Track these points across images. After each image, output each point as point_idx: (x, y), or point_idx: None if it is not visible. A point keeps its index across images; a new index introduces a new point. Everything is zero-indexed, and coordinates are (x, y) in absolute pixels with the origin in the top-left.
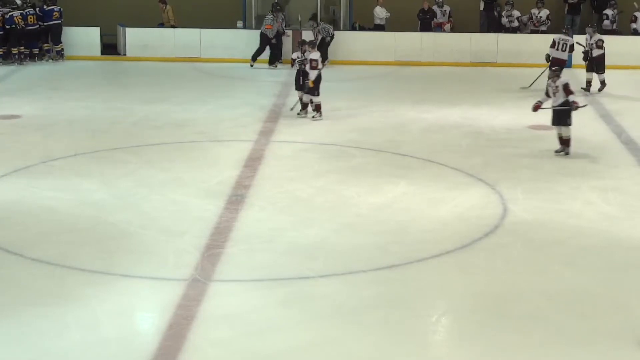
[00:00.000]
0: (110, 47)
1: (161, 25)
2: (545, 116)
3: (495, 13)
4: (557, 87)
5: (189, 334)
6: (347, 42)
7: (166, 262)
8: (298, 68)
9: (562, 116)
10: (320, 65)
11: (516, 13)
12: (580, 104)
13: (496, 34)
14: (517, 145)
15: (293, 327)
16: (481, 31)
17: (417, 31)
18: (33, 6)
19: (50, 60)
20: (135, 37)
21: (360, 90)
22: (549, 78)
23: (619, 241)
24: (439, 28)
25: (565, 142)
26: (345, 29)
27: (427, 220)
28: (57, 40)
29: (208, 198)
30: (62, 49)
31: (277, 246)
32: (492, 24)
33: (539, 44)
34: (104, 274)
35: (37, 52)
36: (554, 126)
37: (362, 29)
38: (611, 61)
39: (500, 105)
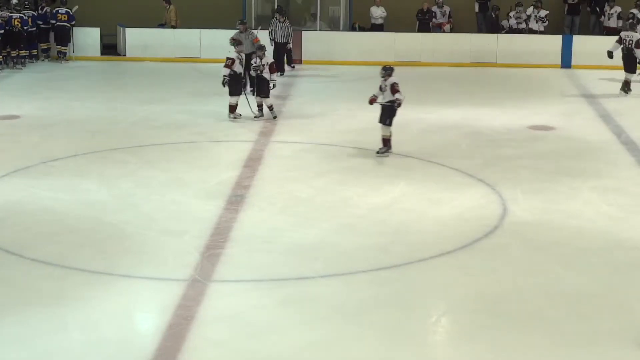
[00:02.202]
0: (110, 48)
1: (161, 25)
2: (545, 117)
3: (492, 14)
4: (386, 85)
5: (189, 334)
6: (346, 42)
7: (166, 263)
8: (254, 74)
9: (384, 115)
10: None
11: (524, 15)
12: (401, 101)
13: (496, 34)
14: (517, 145)
15: (293, 327)
16: (479, 32)
17: (415, 31)
18: (35, 8)
19: (47, 60)
20: (135, 38)
21: (360, 91)
22: (381, 76)
23: (619, 241)
24: (439, 28)
25: (384, 142)
26: (345, 29)
27: (427, 221)
28: (62, 41)
29: (208, 198)
30: (65, 52)
31: (277, 246)
32: (488, 24)
33: (538, 45)
34: (104, 275)
35: (35, 52)
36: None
37: (361, 29)
38: (614, 61)
39: (500, 106)
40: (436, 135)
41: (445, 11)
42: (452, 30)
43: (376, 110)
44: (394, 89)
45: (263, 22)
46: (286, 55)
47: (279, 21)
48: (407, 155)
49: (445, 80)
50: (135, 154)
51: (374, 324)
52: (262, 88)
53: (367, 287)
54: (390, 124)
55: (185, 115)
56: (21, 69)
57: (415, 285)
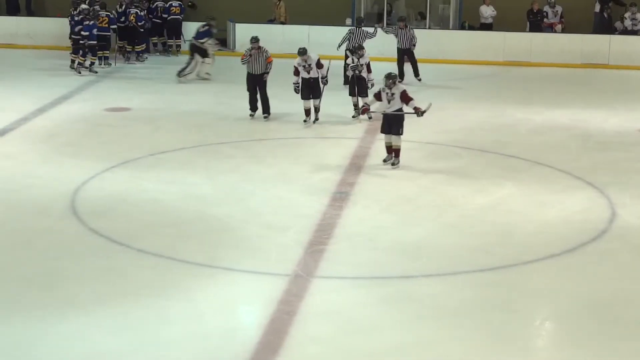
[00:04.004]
0: (220, 42)
1: (271, 21)
2: None
3: (605, 15)
4: (392, 94)
5: (290, 329)
6: (455, 41)
7: (268, 257)
8: (352, 73)
9: (393, 124)
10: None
11: (639, 16)
12: (424, 108)
13: (608, 35)
14: (627, 148)
15: (393, 326)
16: (593, 32)
17: (525, 31)
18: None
19: (158, 54)
20: (244, 33)
21: (467, 90)
22: (385, 84)
23: None
24: (550, 28)
25: (396, 152)
26: (454, 28)
27: (532, 223)
28: (175, 34)
29: (312, 194)
30: (180, 44)
31: (380, 244)
32: (604, 25)
33: None
34: (207, 267)
35: (145, 47)
36: (382, 134)
37: (471, 28)
38: None
39: (611, 108)
40: (544, 137)
41: (557, 11)
42: (563, 31)
43: (482, 110)
44: (406, 96)
45: (371, 21)
46: (412, 64)
47: (400, 28)
48: (514, 156)
49: (554, 81)
50: (241, 149)
51: (474, 325)
52: (360, 87)
53: (470, 288)
54: (402, 133)
55: (291, 111)
56: (137, 63)
57: (518, 288)
